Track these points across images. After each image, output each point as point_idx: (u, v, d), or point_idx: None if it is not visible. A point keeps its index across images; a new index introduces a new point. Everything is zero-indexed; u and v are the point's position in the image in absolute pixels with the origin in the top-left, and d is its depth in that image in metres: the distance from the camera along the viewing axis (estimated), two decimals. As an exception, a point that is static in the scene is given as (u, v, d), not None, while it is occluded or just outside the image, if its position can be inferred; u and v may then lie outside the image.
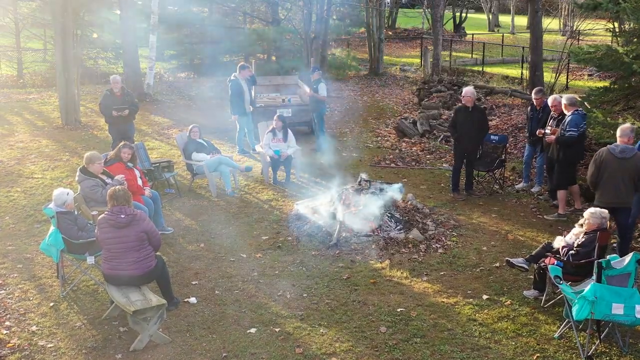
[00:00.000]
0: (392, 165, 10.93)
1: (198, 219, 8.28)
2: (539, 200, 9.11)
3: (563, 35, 36.21)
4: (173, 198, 9.05)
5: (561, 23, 37.15)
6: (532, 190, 9.49)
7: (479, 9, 44.87)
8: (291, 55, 22.37)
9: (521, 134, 12.61)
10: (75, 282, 6.35)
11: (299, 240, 7.42)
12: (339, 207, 7.66)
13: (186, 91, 19.47)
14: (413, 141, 12.53)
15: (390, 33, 36.47)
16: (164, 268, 5.74)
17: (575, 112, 8.02)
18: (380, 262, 6.83)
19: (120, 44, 18.22)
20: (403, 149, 12.08)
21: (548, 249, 6.04)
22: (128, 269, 5.35)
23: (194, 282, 6.40)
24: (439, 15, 21.34)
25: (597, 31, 23.25)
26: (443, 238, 7.45)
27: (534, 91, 9.45)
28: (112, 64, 23.32)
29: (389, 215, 7.70)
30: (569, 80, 19.24)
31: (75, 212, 6.29)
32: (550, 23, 28.96)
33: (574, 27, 19.11)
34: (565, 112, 8.13)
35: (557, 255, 5.84)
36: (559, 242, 5.96)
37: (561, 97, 8.54)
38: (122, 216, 5.34)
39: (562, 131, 7.98)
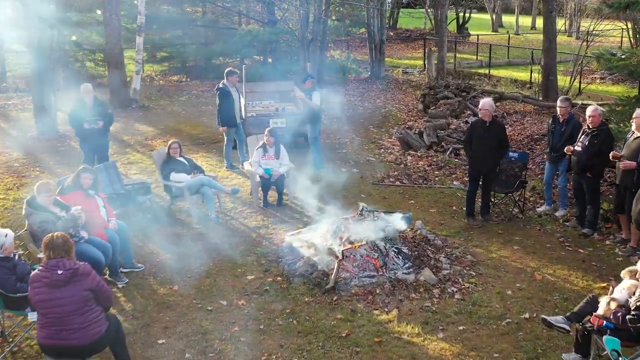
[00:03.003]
0: (397, 183, 9.80)
1: (175, 251, 7.14)
2: (566, 227, 7.98)
3: (569, 35, 35.20)
4: (148, 225, 7.91)
5: (567, 23, 36.08)
6: (557, 214, 8.37)
7: (481, 9, 43.71)
8: (288, 58, 21.28)
9: (538, 147, 11.50)
10: (17, 341, 5.23)
11: (290, 282, 6.30)
12: (337, 240, 6.54)
13: (176, 96, 18.37)
14: (419, 154, 11.40)
15: (392, 34, 35.35)
16: (118, 331, 4.62)
17: None
18: (387, 312, 5.70)
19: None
20: (408, 164, 10.96)
21: (593, 304, 4.92)
22: (70, 338, 4.24)
23: (160, 341, 5.27)
24: (444, 15, 20.21)
25: (605, 31, 22.12)
26: (460, 279, 6.33)
27: (559, 99, 8.32)
28: (101, 66, 22.23)
29: (396, 250, 6.59)
30: (581, 84, 18.06)
31: (16, 257, 5.17)
32: (562, 25, 27.91)
33: (589, 28, 17.93)
34: None
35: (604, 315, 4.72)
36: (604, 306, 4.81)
37: (598, 107, 7.46)
38: (60, 272, 4.22)
39: None
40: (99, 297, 4.37)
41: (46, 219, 5.66)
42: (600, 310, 4.80)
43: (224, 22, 23.43)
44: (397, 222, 6.62)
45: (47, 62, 12.90)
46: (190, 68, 22.51)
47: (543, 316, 5.04)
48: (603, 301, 4.91)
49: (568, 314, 4.99)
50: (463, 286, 6.21)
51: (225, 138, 10.39)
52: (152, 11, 21.27)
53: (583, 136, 7.58)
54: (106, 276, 6.34)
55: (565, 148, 7.72)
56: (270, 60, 22.17)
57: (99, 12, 16.72)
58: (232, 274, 6.56)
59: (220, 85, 10.34)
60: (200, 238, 7.55)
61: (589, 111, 7.54)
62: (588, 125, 7.56)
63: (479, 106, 7.89)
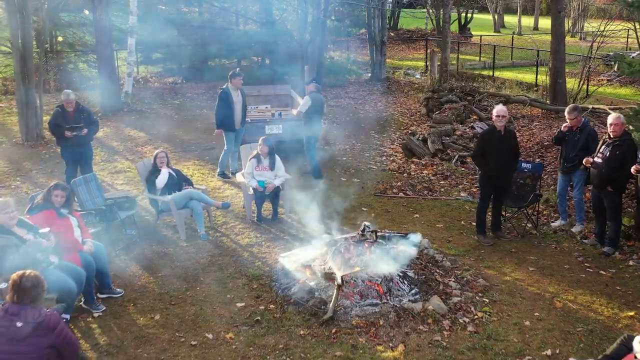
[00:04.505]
0: (401, 194, 9.19)
1: (158, 274, 6.54)
2: (584, 244, 7.37)
3: (572, 36, 34.59)
4: (132, 243, 7.30)
5: (570, 24, 35.48)
6: (573, 230, 7.76)
7: (483, 9, 43.11)
8: (286, 59, 20.65)
9: (549, 154, 10.88)
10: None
11: (284, 311, 5.68)
12: (337, 264, 5.93)
13: (170, 99, 17.76)
14: (423, 162, 10.78)
15: (393, 34, 34.74)
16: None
17: None
18: (392, 348, 5.09)
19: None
20: (412, 172, 10.34)
21: (629, 345, 4.30)
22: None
23: (136, 384, 4.67)
24: (447, 16, 19.60)
25: (615, 32, 21.52)
26: (472, 308, 5.71)
27: (567, 110, 7.63)
28: (94, 68, 21.60)
29: (401, 274, 5.98)
30: (589, 87, 17.40)
31: (-30, 289, 4.56)
32: (567, 26, 27.27)
33: (599, 28, 17.27)
34: None
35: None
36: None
37: (621, 115, 6.87)
38: (19, 324, 3.60)
39: None
40: (63, 355, 3.75)
41: (8, 244, 5.03)
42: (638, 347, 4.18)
43: (221, 23, 22.79)
44: (405, 246, 6.00)
45: (32, 64, 12.31)
46: (186, 70, 21.86)
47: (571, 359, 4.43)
48: (637, 340, 4.29)
49: (600, 357, 4.37)
50: (476, 316, 5.59)
51: (226, 143, 9.76)
52: (146, 11, 20.67)
53: (604, 146, 6.98)
54: (81, 303, 5.74)
55: (584, 160, 7.11)
56: (268, 61, 21.56)
57: (86, 12, 16.04)
58: (221, 301, 5.94)
59: (223, 87, 9.77)
60: (187, 258, 6.94)
61: (610, 119, 6.94)
62: (609, 135, 6.97)
63: (494, 113, 7.23)
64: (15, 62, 12.16)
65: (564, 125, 7.72)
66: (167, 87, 20.45)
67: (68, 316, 5.33)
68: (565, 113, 7.65)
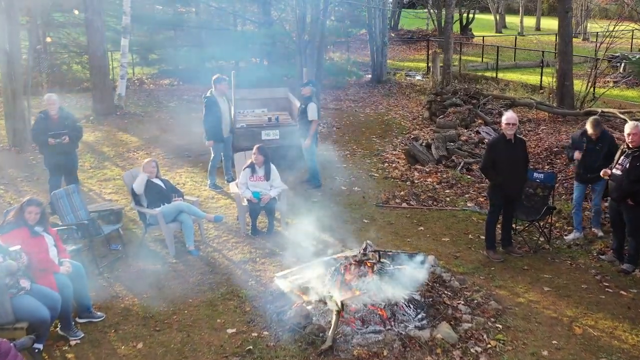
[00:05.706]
0: (404, 205, 8.70)
1: (144, 295, 6.04)
2: (601, 260, 6.88)
3: (575, 37, 34.11)
4: (117, 259, 6.82)
5: (573, 24, 34.98)
6: (599, 234, 7.40)
7: (484, 9, 42.61)
8: (285, 61, 20.17)
9: (559, 161, 10.40)
10: None
11: (279, 339, 5.18)
12: (336, 287, 5.45)
13: (165, 101, 17.28)
14: (427, 169, 10.29)
15: (393, 35, 34.28)
16: None
17: None
18: (397, 384, 4.61)
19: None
20: (415, 180, 9.85)
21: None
22: None
23: None
24: (450, 16, 19.11)
25: (624, 32, 21.04)
26: (484, 335, 5.22)
27: (591, 125, 7.08)
28: (88, 69, 21.12)
29: (406, 297, 5.49)
30: (595, 89, 16.89)
31: None
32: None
33: (608, 29, 16.77)
34: None
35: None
36: None
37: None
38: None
39: None
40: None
41: (-27, 267, 4.56)
42: None
43: (218, 23, 22.32)
44: (413, 270, 5.52)
45: (20, 66, 11.83)
46: (182, 71, 21.40)
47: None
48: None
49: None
50: (489, 345, 5.10)
51: (212, 153, 9.30)
52: (142, 11, 20.21)
53: (622, 157, 6.49)
54: (57, 329, 5.26)
55: (602, 172, 6.63)
56: (266, 62, 21.10)
57: (76, 12, 15.55)
58: (210, 326, 5.45)
59: (208, 94, 9.26)
60: (175, 276, 6.45)
61: (628, 128, 6.46)
62: (627, 145, 6.50)
63: (504, 120, 6.73)
64: (2, 64, 11.67)
65: (576, 153, 7.26)
66: (163, 89, 19.99)
67: (41, 346, 4.85)
68: (589, 128, 7.13)
